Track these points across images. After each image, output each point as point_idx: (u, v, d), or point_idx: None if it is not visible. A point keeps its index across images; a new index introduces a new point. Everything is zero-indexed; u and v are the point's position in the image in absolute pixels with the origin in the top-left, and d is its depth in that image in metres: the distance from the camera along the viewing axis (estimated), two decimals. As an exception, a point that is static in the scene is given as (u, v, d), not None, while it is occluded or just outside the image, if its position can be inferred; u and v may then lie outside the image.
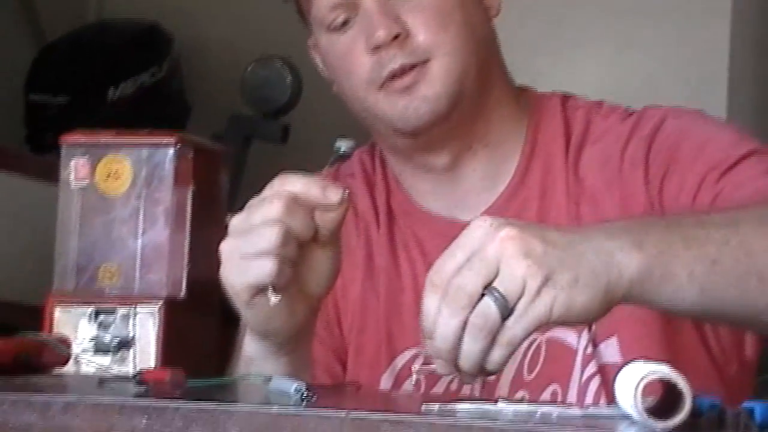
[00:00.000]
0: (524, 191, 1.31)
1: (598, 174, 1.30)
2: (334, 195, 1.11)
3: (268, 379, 1.16)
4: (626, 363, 0.92)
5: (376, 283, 1.35)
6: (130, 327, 1.32)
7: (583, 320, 1.02)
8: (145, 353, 1.30)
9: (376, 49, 1.26)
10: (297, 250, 1.10)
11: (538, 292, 0.97)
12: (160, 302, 1.32)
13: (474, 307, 0.96)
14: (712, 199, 1.22)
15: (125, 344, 1.31)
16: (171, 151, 1.35)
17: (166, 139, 1.37)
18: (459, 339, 0.97)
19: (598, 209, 1.29)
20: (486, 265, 0.96)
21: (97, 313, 1.33)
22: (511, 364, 1.27)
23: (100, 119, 2.86)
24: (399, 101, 1.27)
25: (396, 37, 1.25)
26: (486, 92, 1.31)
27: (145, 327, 1.31)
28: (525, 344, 1.27)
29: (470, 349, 0.97)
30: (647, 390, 0.87)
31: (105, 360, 1.30)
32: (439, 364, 0.98)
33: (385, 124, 1.29)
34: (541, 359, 1.28)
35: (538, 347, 1.28)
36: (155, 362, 1.29)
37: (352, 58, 1.28)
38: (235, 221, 1.13)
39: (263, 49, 3.11)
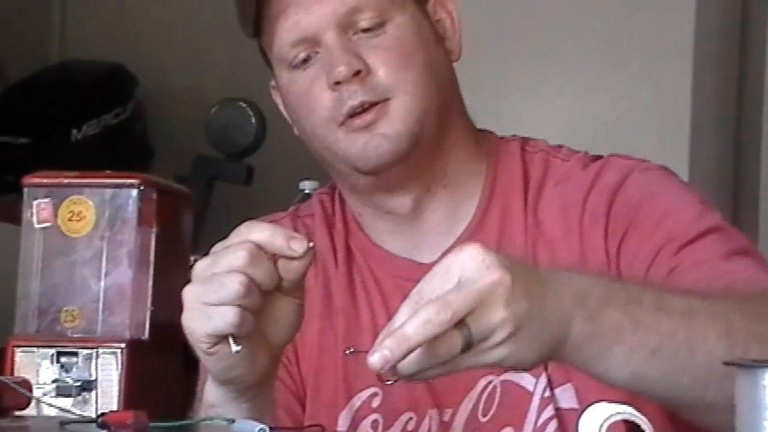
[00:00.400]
0: (482, 234, 1.31)
1: (557, 219, 1.30)
2: (299, 246, 1.10)
3: (231, 421, 1.15)
4: (589, 404, 0.92)
5: (334, 323, 1.34)
6: (93, 369, 1.30)
7: (520, 369, 1.06)
8: (108, 396, 1.29)
9: (337, 84, 1.26)
10: (260, 299, 1.10)
11: (502, 342, 0.98)
12: (123, 344, 1.31)
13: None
14: (667, 272, 1.21)
15: (87, 386, 1.30)
16: (134, 192, 1.35)
17: (129, 180, 1.36)
18: (417, 346, 0.96)
19: (555, 255, 1.29)
20: (474, 299, 0.97)
21: (58, 355, 1.31)
22: (467, 404, 1.27)
23: (63, 160, 2.84)
24: (359, 139, 1.27)
25: (357, 73, 1.25)
26: (446, 133, 1.32)
27: (108, 369, 1.30)
28: (480, 386, 1.27)
29: (418, 362, 0.97)
30: (611, 431, 0.88)
31: (67, 402, 1.29)
32: (379, 356, 0.96)
33: (345, 162, 1.29)
34: (496, 402, 1.28)
35: (494, 389, 1.28)
36: (118, 405, 1.28)
37: (312, 95, 1.28)
38: (199, 267, 1.12)
39: (227, 91, 3.12)
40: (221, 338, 1.10)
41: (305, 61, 1.28)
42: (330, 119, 1.27)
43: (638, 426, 0.89)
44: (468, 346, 0.98)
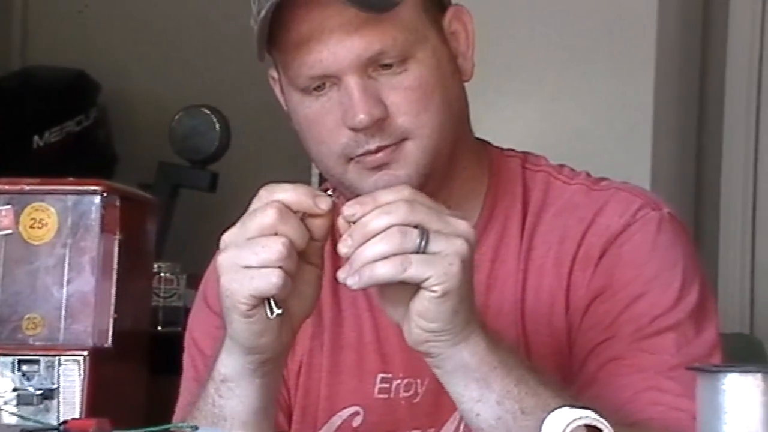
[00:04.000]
0: (478, 255, 1.29)
1: (553, 247, 1.29)
2: (324, 203, 1.11)
3: (195, 428, 1.14)
4: (553, 410, 0.92)
5: (322, 340, 1.33)
6: (55, 377, 1.29)
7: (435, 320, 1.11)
8: (70, 403, 1.28)
9: (354, 129, 1.24)
10: (296, 261, 1.11)
11: (448, 257, 1.08)
12: (86, 352, 1.30)
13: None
14: (609, 359, 1.23)
15: (49, 395, 1.29)
16: (97, 199, 1.34)
17: (92, 187, 1.36)
18: (375, 235, 1.07)
19: (542, 282, 1.28)
20: (440, 217, 1.09)
21: (20, 363, 1.30)
22: (450, 424, 1.27)
23: (25, 167, 2.82)
24: (370, 176, 1.25)
25: (376, 120, 1.23)
26: (454, 163, 1.30)
27: (70, 377, 1.29)
28: (452, 427, 1.26)
29: (374, 249, 1.07)
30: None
31: (28, 411, 1.28)
32: (344, 242, 1.08)
33: (351, 191, 1.28)
34: None
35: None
36: (80, 412, 1.27)
37: (326, 127, 1.24)
38: (229, 235, 1.12)
39: (191, 98, 3.11)
40: (260, 301, 1.10)
41: (319, 87, 1.25)
42: (341, 155, 1.25)
43: (601, 431, 0.90)
44: (421, 248, 1.07)
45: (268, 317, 1.11)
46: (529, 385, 1.12)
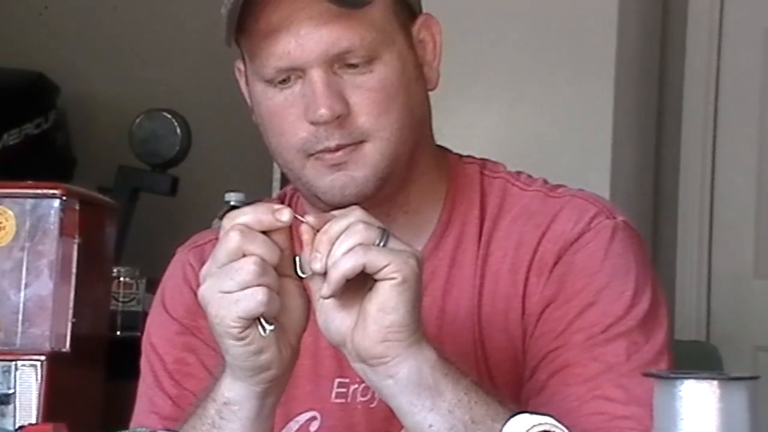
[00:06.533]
0: (435, 259, 1.30)
1: (509, 253, 1.29)
2: (284, 215, 1.12)
3: (154, 435, 1.14)
4: (512, 415, 0.93)
5: None
6: (11, 382, 1.29)
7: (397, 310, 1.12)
8: (27, 408, 1.27)
9: (315, 123, 1.24)
10: (276, 276, 1.11)
11: (406, 254, 1.11)
12: (43, 357, 1.29)
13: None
14: (559, 368, 1.23)
15: (5, 399, 1.28)
16: (57, 202, 1.34)
17: (51, 191, 1.35)
18: (337, 238, 1.10)
19: (498, 288, 1.29)
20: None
21: (-24, 368, 1.30)
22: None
23: (-17, 170, 2.81)
24: (327, 175, 1.25)
25: (338, 117, 1.24)
26: (413, 167, 1.30)
27: (27, 382, 1.28)
28: None
29: (341, 246, 1.09)
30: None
31: (-16, 416, 1.27)
32: (314, 259, 1.11)
33: (308, 189, 1.28)
34: None
35: None
36: (37, 417, 1.27)
37: (287, 120, 1.24)
38: (204, 269, 1.13)
39: (151, 101, 3.10)
40: (251, 321, 1.11)
41: (284, 81, 1.25)
42: (301, 149, 1.25)
43: (559, 437, 0.90)
44: (382, 242, 1.10)
45: (261, 336, 1.11)
46: (479, 394, 1.13)
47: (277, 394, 1.18)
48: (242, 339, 1.12)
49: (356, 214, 1.12)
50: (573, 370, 1.23)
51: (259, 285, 1.10)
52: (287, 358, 1.15)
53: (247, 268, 1.10)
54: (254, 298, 1.10)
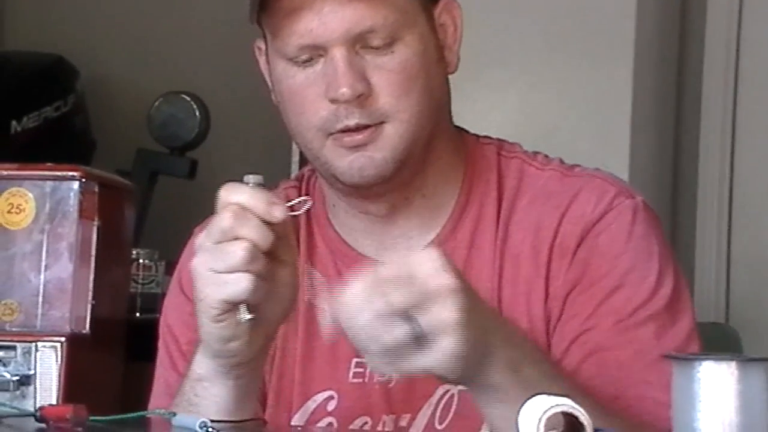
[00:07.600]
0: (453, 241, 1.30)
1: (528, 235, 1.28)
2: (278, 212, 1.11)
3: (173, 414, 1.14)
4: (529, 397, 0.93)
5: (295, 325, 1.33)
6: (32, 363, 1.29)
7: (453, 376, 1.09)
8: (47, 390, 1.28)
9: (336, 101, 1.24)
10: (266, 263, 1.11)
11: (449, 332, 1.03)
12: (63, 338, 1.30)
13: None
14: (590, 351, 1.23)
15: (26, 381, 1.29)
16: (76, 185, 1.34)
17: (70, 173, 1.35)
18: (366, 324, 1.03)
19: (519, 272, 1.28)
20: (420, 297, 1.02)
21: (-4, 349, 1.30)
22: (426, 410, 1.27)
23: (2, 153, 2.82)
24: (346, 156, 1.25)
25: (358, 96, 1.23)
26: (432, 150, 1.30)
27: (47, 363, 1.29)
28: (439, 394, 1.27)
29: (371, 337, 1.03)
30: (550, 423, 0.88)
31: (5, 397, 1.28)
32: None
33: (326, 170, 1.28)
34: (453, 410, 1.28)
35: (451, 398, 1.28)
36: (57, 399, 1.27)
37: (307, 99, 1.24)
38: (200, 239, 1.13)
39: (170, 84, 3.10)
40: (232, 306, 1.10)
41: (306, 61, 1.25)
42: (320, 128, 1.25)
43: (577, 418, 0.90)
44: (418, 338, 1.02)
45: (238, 322, 1.11)
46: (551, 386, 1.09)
47: (249, 377, 1.18)
48: (219, 321, 1.12)
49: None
50: (608, 353, 1.23)
51: (247, 271, 1.09)
52: (257, 349, 1.15)
53: (238, 253, 1.09)
54: (240, 285, 1.10)
